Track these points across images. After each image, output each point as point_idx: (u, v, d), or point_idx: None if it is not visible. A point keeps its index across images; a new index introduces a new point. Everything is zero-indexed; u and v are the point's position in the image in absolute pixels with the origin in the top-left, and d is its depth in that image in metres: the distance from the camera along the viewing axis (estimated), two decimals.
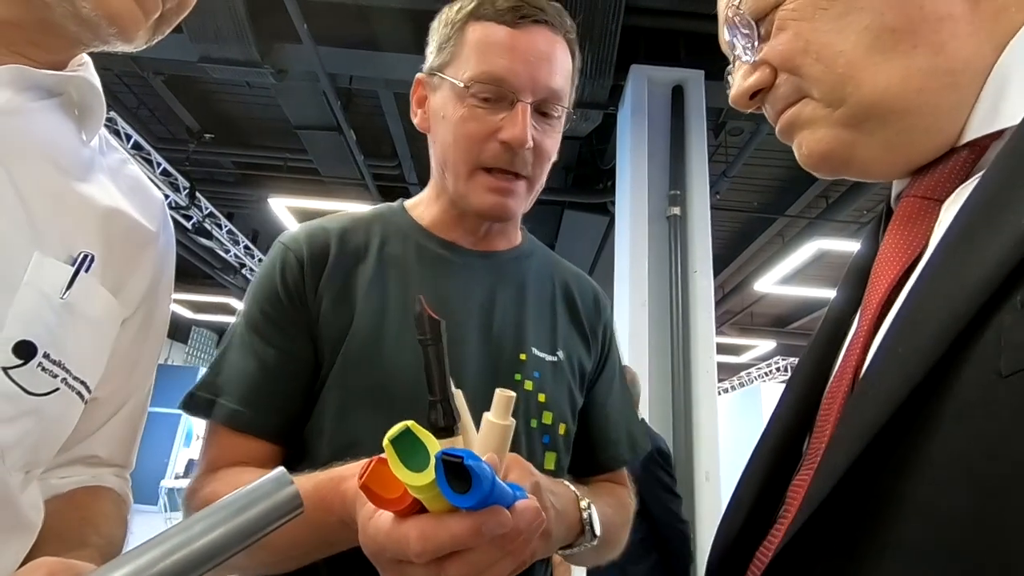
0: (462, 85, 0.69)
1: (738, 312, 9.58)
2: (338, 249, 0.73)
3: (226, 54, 3.77)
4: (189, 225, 6.38)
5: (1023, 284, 0.28)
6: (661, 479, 2.08)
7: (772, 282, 7.02)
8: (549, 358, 0.74)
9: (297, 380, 0.68)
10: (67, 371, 0.49)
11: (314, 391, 0.68)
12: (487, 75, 0.68)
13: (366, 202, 5.61)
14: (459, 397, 0.45)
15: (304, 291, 0.70)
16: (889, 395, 0.31)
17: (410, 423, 0.37)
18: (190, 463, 10.42)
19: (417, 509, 0.40)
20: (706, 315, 3.22)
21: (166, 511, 8.91)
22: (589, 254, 6.47)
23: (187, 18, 0.59)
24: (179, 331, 13.40)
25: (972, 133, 0.39)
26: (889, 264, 0.40)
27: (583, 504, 0.62)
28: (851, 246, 5.72)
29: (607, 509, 0.68)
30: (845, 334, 0.44)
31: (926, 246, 0.39)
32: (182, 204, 6.01)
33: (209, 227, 6.54)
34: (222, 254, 7.34)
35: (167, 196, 5.62)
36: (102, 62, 0.59)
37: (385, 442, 0.36)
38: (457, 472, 0.35)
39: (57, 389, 0.49)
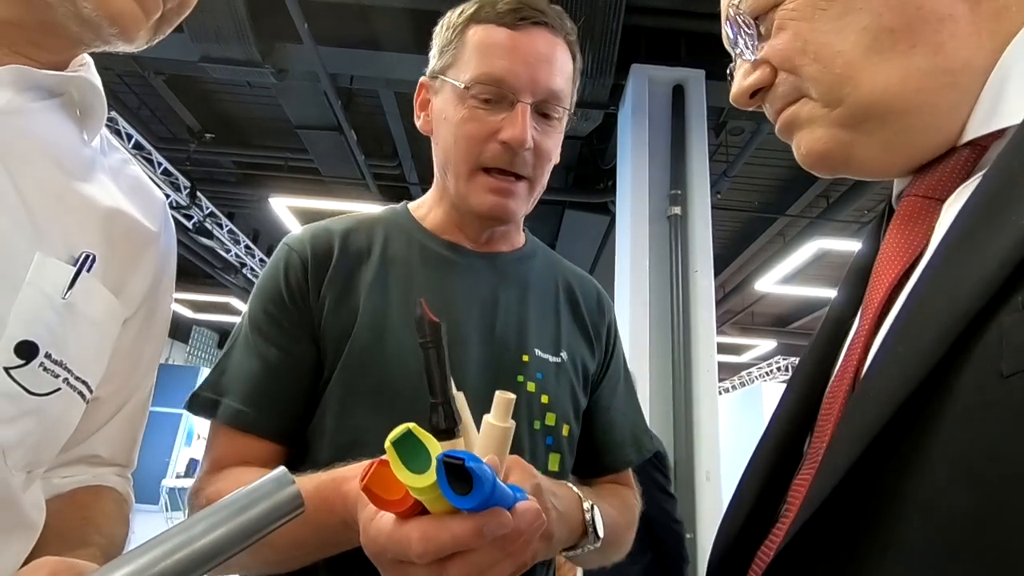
0: (463, 86, 0.69)
1: (739, 312, 9.57)
2: (341, 250, 0.73)
3: (227, 54, 3.77)
4: (190, 225, 6.38)
5: None
6: (656, 479, 2.08)
7: (773, 282, 7.01)
8: (552, 359, 0.74)
9: (300, 380, 0.68)
10: (69, 371, 0.49)
11: (317, 391, 0.68)
12: (487, 76, 0.68)
13: (367, 202, 5.62)
14: (460, 399, 0.45)
15: (307, 292, 0.70)
16: (890, 395, 0.31)
17: (411, 425, 0.37)
18: (191, 462, 10.44)
19: (418, 511, 0.40)
20: (707, 315, 3.22)
21: (167, 510, 8.91)
22: (590, 254, 6.46)
23: (188, 18, 0.59)
24: (180, 331, 13.42)
25: (972, 132, 0.39)
26: (890, 264, 0.40)
27: (586, 506, 0.62)
28: (852, 246, 5.72)
29: (611, 511, 0.68)
30: (846, 334, 0.44)
31: (927, 246, 0.39)
32: (183, 204, 6.01)
33: (210, 227, 6.54)
34: (223, 254, 7.35)
35: (168, 196, 5.63)
36: (103, 62, 0.59)
37: (387, 444, 0.37)
38: (458, 474, 0.35)
39: (59, 389, 0.49)
